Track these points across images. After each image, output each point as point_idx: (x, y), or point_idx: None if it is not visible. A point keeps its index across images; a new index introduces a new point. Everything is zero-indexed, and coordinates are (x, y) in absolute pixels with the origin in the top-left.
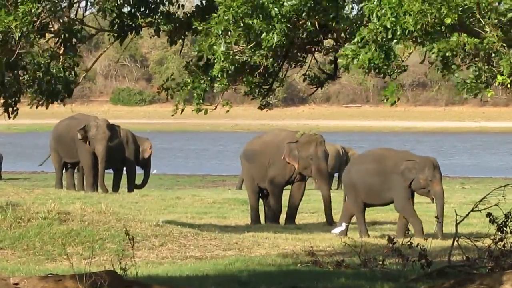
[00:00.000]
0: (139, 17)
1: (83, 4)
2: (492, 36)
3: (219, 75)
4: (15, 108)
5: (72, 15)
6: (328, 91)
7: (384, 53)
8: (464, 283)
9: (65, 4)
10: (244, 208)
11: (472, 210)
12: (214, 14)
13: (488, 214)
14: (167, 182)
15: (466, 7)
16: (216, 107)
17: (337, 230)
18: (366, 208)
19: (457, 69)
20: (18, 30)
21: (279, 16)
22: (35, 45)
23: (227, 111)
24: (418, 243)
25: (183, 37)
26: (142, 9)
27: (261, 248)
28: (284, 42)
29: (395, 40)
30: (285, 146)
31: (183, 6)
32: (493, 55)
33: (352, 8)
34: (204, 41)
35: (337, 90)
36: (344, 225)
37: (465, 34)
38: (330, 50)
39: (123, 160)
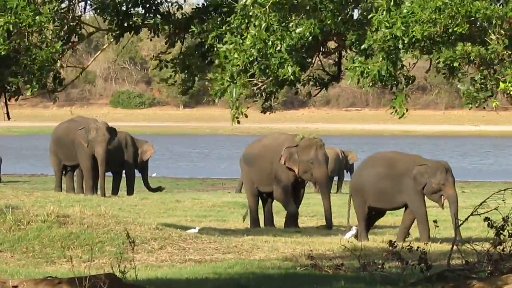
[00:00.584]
0: (138, 17)
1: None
2: (497, 44)
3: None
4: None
5: (71, 15)
6: (328, 95)
7: (391, 63)
8: (463, 287)
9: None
10: (244, 212)
11: (471, 214)
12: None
13: (486, 219)
14: (166, 185)
15: (477, 16)
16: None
17: (348, 235)
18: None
19: (463, 78)
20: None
21: (289, 49)
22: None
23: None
24: (418, 247)
25: (182, 39)
26: (140, 9)
27: (261, 251)
28: (299, 72)
29: (403, 50)
30: (284, 150)
31: (181, 7)
32: (497, 63)
33: (353, 14)
34: (215, 83)
35: (337, 94)
36: (354, 228)
37: (469, 43)
38: (333, 52)
39: (122, 163)
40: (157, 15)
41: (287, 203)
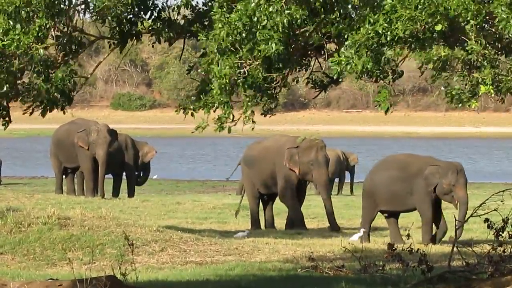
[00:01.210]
0: (139, 24)
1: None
2: (475, 44)
3: (217, 92)
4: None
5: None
6: (329, 96)
7: (375, 58)
8: None
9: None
10: (244, 214)
11: (471, 216)
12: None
13: (486, 220)
14: (167, 187)
15: (456, 13)
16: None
17: (355, 237)
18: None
19: (447, 78)
20: (40, 49)
21: (275, 27)
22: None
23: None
24: (418, 249)
25: (183, 42)
26: (142, 16)
27: (261, 253)
28: (283, 50)
29: (386, 47)
30: (285, 151)
31: (184, 16)
32: (475, 63)
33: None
34: (204, 61)
35: (337, 95)
36: (362, 230)
37: (443, 46)
38: (333, 54)
39: (122, 165)
40: (159, 21)
41: (294, 207)
